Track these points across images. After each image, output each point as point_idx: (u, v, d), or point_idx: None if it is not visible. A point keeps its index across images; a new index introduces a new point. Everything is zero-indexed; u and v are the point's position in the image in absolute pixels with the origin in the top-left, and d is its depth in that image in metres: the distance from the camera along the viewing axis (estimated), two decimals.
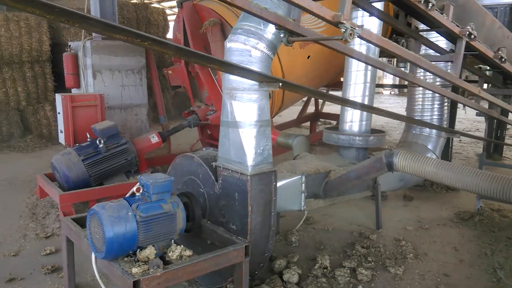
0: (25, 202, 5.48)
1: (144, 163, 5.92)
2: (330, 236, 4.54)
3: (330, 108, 12.05)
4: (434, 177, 3.63)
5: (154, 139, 5.95)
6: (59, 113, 5.79)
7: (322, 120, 10.50)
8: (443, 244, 4.38)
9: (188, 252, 2.71)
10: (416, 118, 5.49)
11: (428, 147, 5.34)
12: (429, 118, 5.35)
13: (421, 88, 5.41)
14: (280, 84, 2.23)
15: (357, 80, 4.52)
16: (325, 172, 4.18)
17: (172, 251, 2.69)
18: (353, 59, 4.49)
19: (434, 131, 5.37)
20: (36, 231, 4.57)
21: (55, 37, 9.73)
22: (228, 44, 2.93)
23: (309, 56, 6.22)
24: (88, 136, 5.49)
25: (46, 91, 9.53)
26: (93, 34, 6.95)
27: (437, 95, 5.30)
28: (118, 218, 2.53)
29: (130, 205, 2.64)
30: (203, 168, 3.31)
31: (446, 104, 5.41)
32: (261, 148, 2.95)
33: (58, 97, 5.70)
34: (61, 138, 5.84)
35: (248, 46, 2.81)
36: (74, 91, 6.96)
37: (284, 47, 6.15)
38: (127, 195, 2.89)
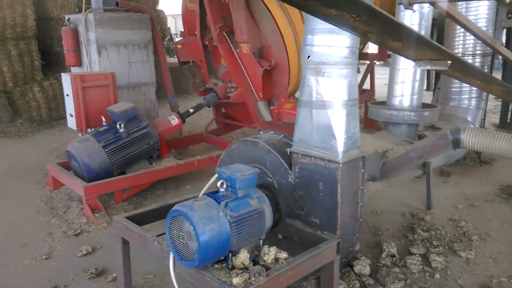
0: (37, 195, 4.97)
1: (166, 147, 5.47)
2: (381, 219, 4.29)
3: None
4: (510, 153, 3.42)
5: (174, 121, 5.49)
6: (67, 95, 5.23)
7: None
8: (500, 222, 4.20)
9: (283, 254, 2.37)
10: (454, 90, 5.26)
11: (468, 119, 5.13)
12: (468, 89, 5.12)
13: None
14: (449, 62, 1.84)
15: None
16: (382, 152, 3.88)
17: (266, 254, 2.34)
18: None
19: (473, 102, 5.16)
20: (62, 228, 4.11)
21: (39, 11, 8.89)
22: None
23: None
24: (104, 119, 4.98)
25: (33, 71, 8.78)
26: (92, 5, 6.32)
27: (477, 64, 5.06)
28: (211, 220, 2.15)
29: (218, 203, 2.26)
30: (272, 155, 2.93)
31: None
32: (351, 131, 2.59)
33: (66, 77, 5.12)
34: (71, 122, 5.31)
35: None
36: (75, 69, 6.34)
37: None
38: (203, 190, 2.50)
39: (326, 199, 2.67)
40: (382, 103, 4.57)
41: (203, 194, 2.40)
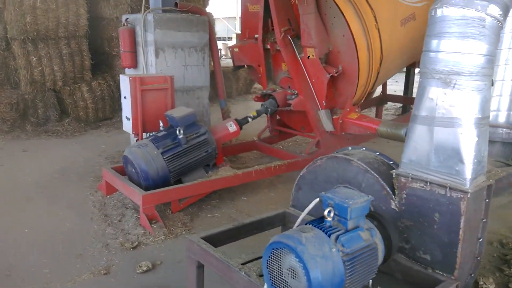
0: (90, 200, 4.77)
1: (222, 155, 5.17)
2: None
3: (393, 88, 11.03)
4: None
5: (232, 127, 5.19)
6: (124, 97, 5.02)
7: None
8: None
9: None
10: None
11: None
12: None
13: None
14: None
15: (508, 61, 3.71)
16: None
17: None
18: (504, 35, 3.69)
19: None
20: (119, 239, 3.87)
21: (92, 10, 8.84)
22: (440, 11, 2.12)
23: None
24: (161, 124, 4.74)
25: (83, 70, 8.70)
26: (151, 5, 6.13)
27: None
28: (324, 258, 1.79)
29: (328, 236, 1.90)
30: (370, 176, 2.55)
31: None
32: (481, 154, 2.18)
33: (125, 79, 4.91)
34: (127, 126, 5.09)
35: (481, 13, 2.01)
36: (130, 71, 6.16)
37: (387, 25, 5.28)
38: (302, 216, 2.15)
39: (443, 233, 2.26)
40: None
41: (307, 223, 2.04)
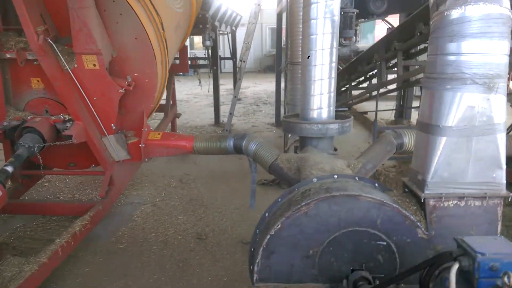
0: None
1: None
2: None
3: None
4: None
5: None
6: None
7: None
8: None
9: None
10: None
11: None
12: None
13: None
14: None
15: (323, 60, 3.91)
16: None
17: None
18: (317, 36, 3.87)
19: None
20: None
21: None
22: (469, 9, 1.85)
23: None
24: None
25: None
26: None
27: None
28: None
29: None
30: (387, 208, 2.08)
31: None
32: None
33: None
34: None
35: (506, 10, 1.88)
36: None
37: (169, 33, 4.54)
38: None
39: None
40: (293, 116, 4.18)
41: None
